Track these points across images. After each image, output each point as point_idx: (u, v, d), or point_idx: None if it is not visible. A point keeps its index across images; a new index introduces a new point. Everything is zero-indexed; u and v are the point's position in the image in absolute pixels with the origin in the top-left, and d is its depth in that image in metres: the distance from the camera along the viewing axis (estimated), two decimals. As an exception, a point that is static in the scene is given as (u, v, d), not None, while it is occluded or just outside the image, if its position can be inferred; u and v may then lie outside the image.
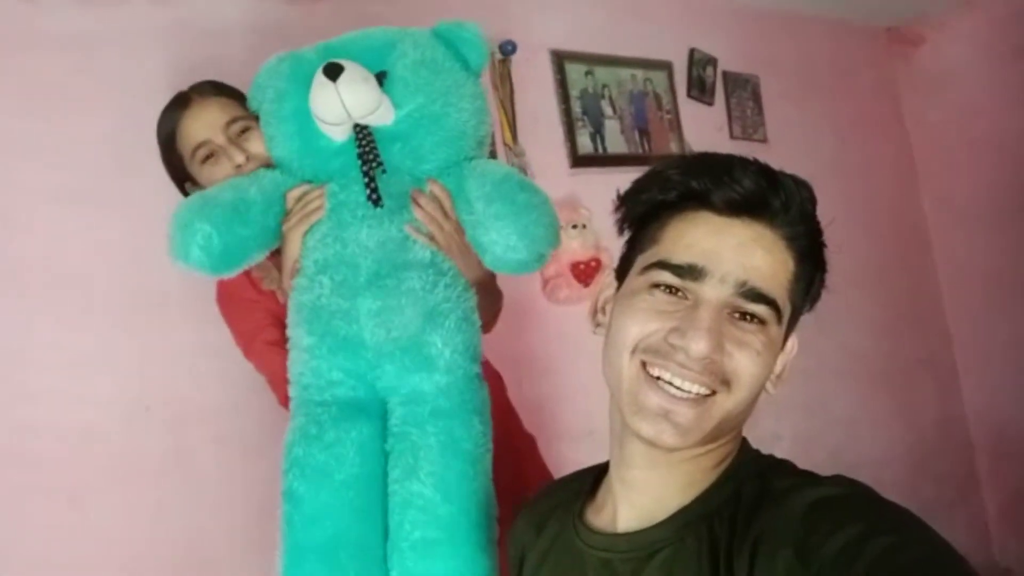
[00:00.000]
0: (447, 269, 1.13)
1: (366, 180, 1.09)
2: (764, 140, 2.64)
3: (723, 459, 0.72)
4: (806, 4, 2.80)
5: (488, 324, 1.25)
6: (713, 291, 0.66)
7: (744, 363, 0.66)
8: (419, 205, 1.13)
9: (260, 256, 1.15)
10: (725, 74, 2.58)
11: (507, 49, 2.00)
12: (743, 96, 2.63)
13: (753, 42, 2.69)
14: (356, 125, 1.09)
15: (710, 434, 0.68)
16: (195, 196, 1.13)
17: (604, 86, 2.24)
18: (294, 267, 1.15)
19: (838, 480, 0.64)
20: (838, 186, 2.84)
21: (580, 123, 2.17)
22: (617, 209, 0.76)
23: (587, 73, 2.21)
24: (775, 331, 0.68)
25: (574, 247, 2.00)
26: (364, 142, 1.09)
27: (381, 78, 1.09)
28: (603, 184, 2.20)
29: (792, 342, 0.73)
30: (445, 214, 1.14)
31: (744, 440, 0.74)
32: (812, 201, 0.70)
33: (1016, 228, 2.94)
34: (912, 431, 2.91)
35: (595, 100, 2.21)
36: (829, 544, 0.56)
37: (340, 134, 1.11)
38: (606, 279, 0.79)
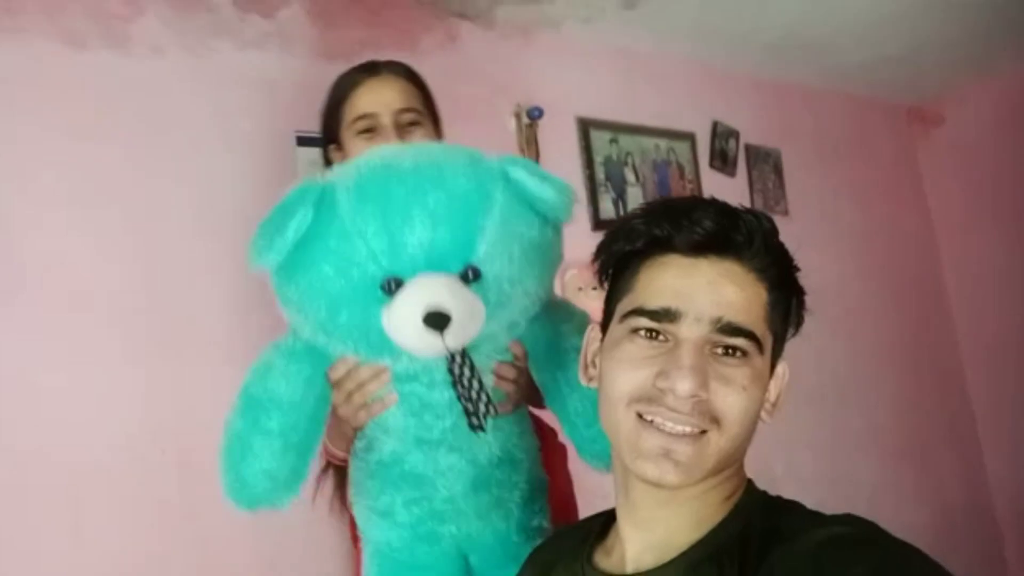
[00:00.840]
0: (516, 434, 1.04)
1: (468, 409, 0.93)
2: (786, 213, 2.66)
3: (729, 495, 0.72)
4: (827, 80, 2.87)
5: None
6: (690, 330, 0.68)
7: (731, 400, 0.68)
8: (502, 378, 1.00)
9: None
10: (747, 147, 2.62)
11: (534, 114, 2.05)
12: (765, 169, 2.66)
13: (775, 116, 2.74)
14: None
15: (711, 470, 0.69)
16: (242, 431, 0.97)
17: (628, 154, 2.29)
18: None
19: (848, 519, 0.64)
20: (860, 260, 2.86)
21: (603, 188, 2.21)
22: (593, 262, 0.78)
23: (611, 140, 2.26)
24: (759, 362, 0.70)
25: (593, 308, 2.00)
26: (464, 379, 0.92)
27: (469, 274, 0.87)
28: (624, 249, 2.24)
29: (782, 368, 0.75)
30: (520, 372, 1.01)
31: (750, 481, 0.75)
32: (774, 232, 0.72)
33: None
34: (936, 506, 2.85)
35: (618, 167, 2.26)
36: None
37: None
38: (591, 333, 0.81)
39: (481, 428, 0.94)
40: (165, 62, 1.59)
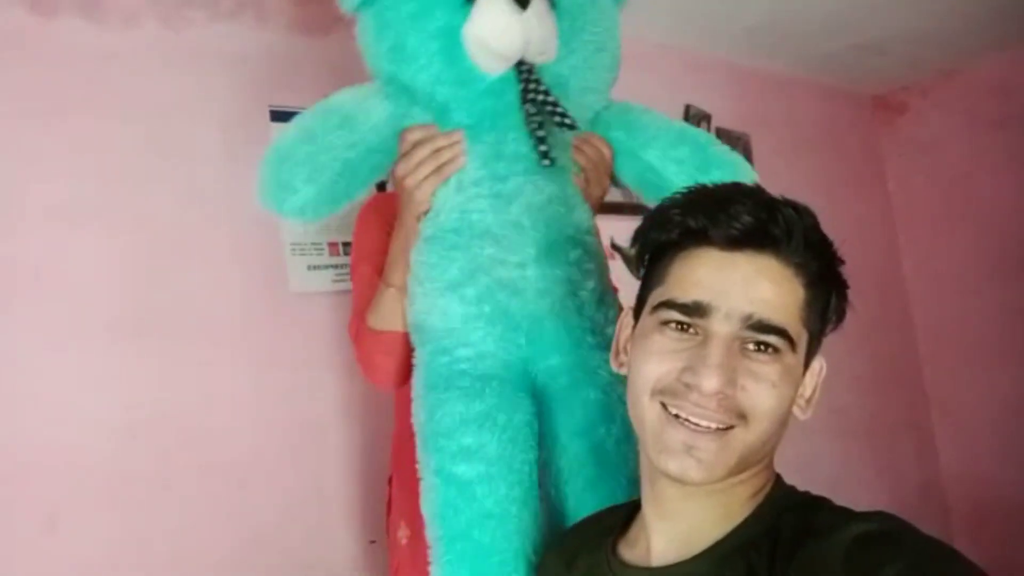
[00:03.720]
0: (594, 227, 1.04)
1: (536, 132, 0.95)
2: (754, 197, 2.69)
3: (758, 490, 0.71)
4: (796, 67, 2.90)
5: None
6: (720, 326, 0.67)
7: (759, 396, 0.66)
8: (583, 152, 1.01)
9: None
10: (719, 130, 2.64)
11: (511, 94, 2.04)
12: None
13: (746, 101, 2.77)
14: (520, 62, 0.94)
15: (735, 467, 0.68)
16: (301, 138, 0.94)
17: (603, 135, 2.28)
18: (419, 216, 1.00)
19: (880, 516, 0.63)
20: (824, 245, 2.91)
21: (578, 170, 2.20)
22: (631, 248, 0.77)
23: (587, 121, 2.25)
24: (791, 359, 0.68)
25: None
26: (535, 87, 0.93)
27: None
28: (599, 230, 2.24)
29: (819, 363, 0.73)
30: (605, 169, 1.03)
31: (778, 476, 0.74)
32: (815, 227, 0.70)
33: (994, 293, 3.02)
34: (893, 492, 2.93)
35: (594, 148, 2.25)
36: None
37: (498, 68, 0.94)
38: (624, 319, 0.80)
39: (550, 159, 0.93)
40: (139, 32, 1.54)
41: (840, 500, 0.69)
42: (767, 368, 0.67)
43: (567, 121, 0.94)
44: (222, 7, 1.64)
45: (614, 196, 2.23)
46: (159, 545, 1.41)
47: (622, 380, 0.99)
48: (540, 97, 0.94)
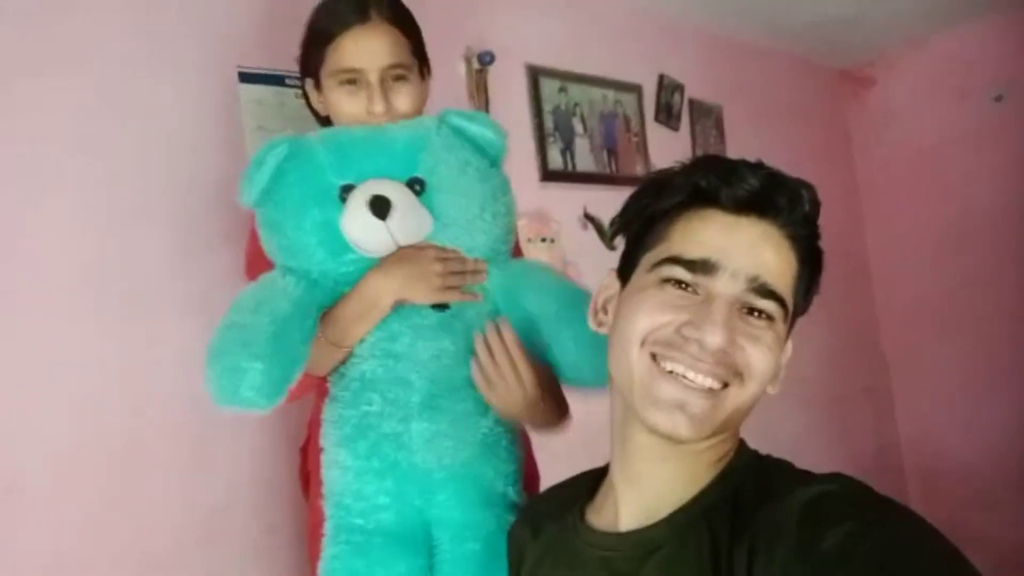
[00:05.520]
0: None
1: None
2: (724, 168, 2.71)
3: (723, 456, 0.73)
4: (768, 38, 2.91)
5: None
6: (725, 286, 0.68)
7: (757, 356, 0.68)
8: (483, 349, 1.02)
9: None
10: (691, 101, 2.64)
11: (485, 59, 2.01)
12: (707, 124, 2.70)
13: (718, 71, 2.77)
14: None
15: (720, 427, 0.69)
16: (229, 331, 0.95)
17: (576, 104, 2.27)
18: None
19: (835, 477, 0.64)
20: (790, 216, 2.94)
21: (551, 138, 2.19)
22: (621, 217, 0.78)
23: (560, 90, 2.24)
24: (781, 328, 0.70)
25: (543, 260, 2.02)
26: None
27: (415, 185, 1.02)
28: (571, 200, 2.25)
29: (789, 344, 0.75)
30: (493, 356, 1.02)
31: (742, 440, 0.76)
32: (816, 203, 0.72)
33: (953, 262, 3.09)
34: (851, 456, 3.02)
35: (567, 117, 2.25)
36: (827, 539, 0.56)
37: (377, 254, 1.03)
38: (606, 280, 0.80)
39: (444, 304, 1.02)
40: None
41: (801, 463, 0.71)
42: (763, 332, 0.68)
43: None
44: (185, -35, 1.59)
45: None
46: (120, 512, 1.40)
47: (504, 532, 1.00)
48: None
